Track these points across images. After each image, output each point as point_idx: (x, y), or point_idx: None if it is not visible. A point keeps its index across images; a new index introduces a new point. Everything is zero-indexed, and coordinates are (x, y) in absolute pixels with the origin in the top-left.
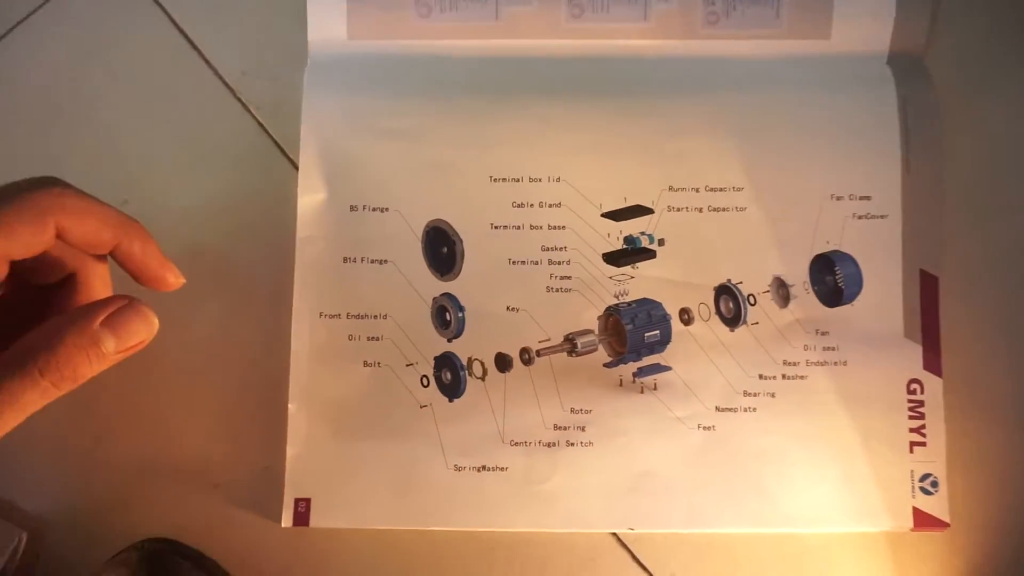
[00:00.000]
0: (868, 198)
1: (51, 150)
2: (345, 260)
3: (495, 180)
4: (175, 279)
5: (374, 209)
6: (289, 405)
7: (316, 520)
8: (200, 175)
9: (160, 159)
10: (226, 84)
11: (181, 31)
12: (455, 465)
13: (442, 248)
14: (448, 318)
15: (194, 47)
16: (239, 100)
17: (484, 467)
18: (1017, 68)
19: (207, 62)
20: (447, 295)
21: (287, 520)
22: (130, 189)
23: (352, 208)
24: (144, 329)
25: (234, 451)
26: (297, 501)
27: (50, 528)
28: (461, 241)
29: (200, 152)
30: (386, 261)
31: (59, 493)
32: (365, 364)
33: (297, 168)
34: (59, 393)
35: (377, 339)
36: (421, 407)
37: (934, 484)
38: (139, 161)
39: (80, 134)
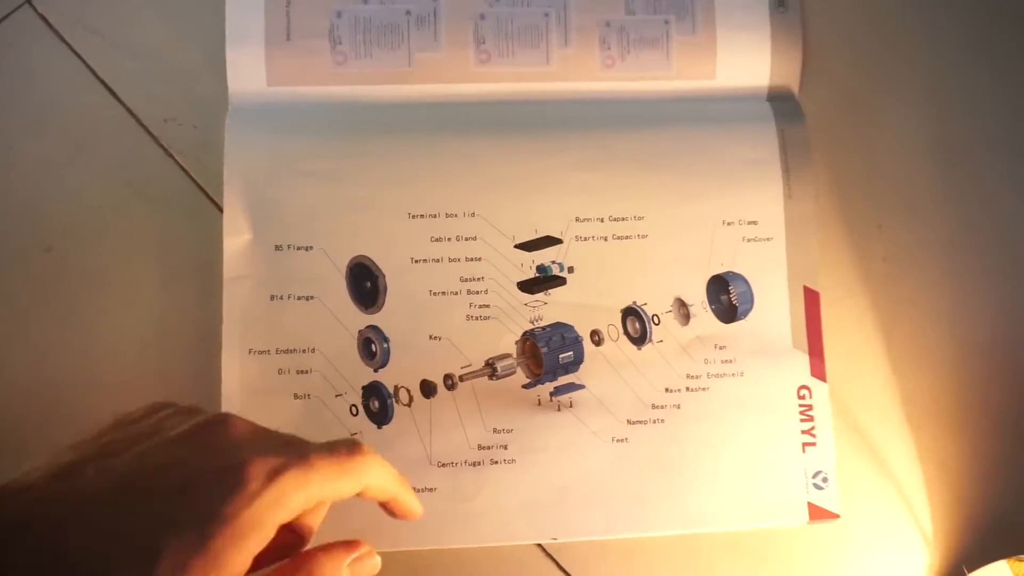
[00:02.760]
0: (755, 223)
1: None
2: (272, 298)
3: (413, 216)
4: (419, 513)
5: (298, 248)
6: None
7: None
8: (125, 221)
9: (84, 206)
10: (148, 132)
11: (101, 81)
12: None
13: (365, 283)
14: (374, 349)
15: (115, 97)
16: (162, 147)
17: (414, 489)
18: (875, 102)
19: (129, 111)
20: (372, 327)
21: None
22: (55, 236)
23: (277, 248)
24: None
25: None
26: None
27: None
28: (383, 275)
29: (125, 198)
30: (312, 297)
31: None
32: (295, 396)
33: (222, 211)
34: None
35: (306, 372)
36: (352, 435)
37: (825, 480)
38: (63, 209)
39: (1, 185)
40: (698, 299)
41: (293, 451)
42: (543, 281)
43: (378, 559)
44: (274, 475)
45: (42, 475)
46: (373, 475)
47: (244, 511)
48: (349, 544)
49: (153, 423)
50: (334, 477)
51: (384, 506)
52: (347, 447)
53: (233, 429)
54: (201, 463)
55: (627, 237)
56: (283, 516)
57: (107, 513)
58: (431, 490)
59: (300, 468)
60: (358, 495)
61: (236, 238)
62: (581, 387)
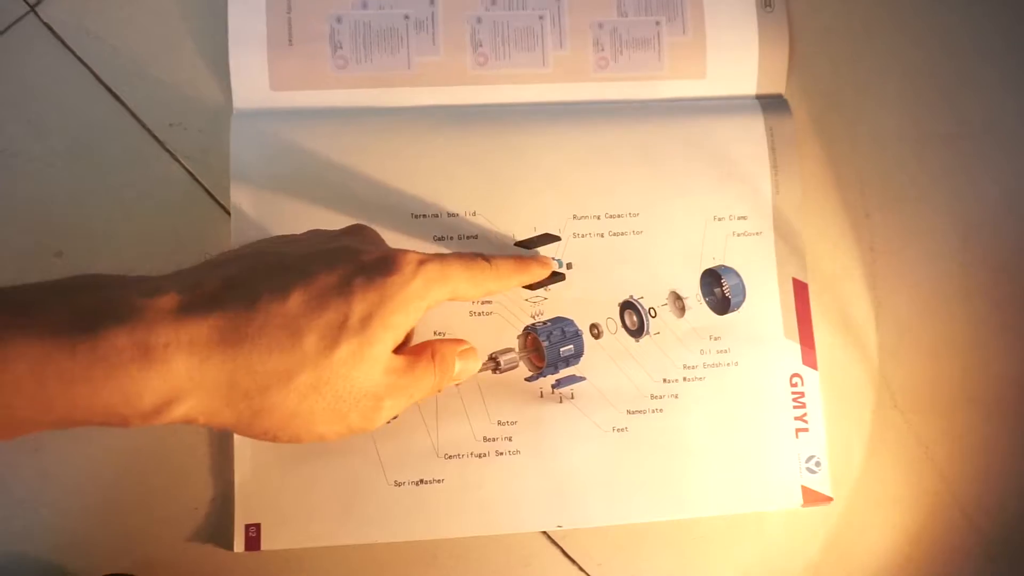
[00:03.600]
0: (745, 218)
1: None
2: None
3: (416, 216)
4: (549, 266)
5: None
6: (234, 436)
7: (267, 543)
8: (133, 224)
9: (92, 211)
10: (154, 136)
11: (107, 87)
12: (395, 481)
13: None
14: None
15: (121, 102)
16: (168, 151)
17: (422, 480)
18: (859, 96)
19: (134, 116)
20: None
21: (239, 546)
22: (63, 241)
23: None
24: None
25: (183, 484)
26: (248, 527)
27: None
28: None
29: (132, 202)
30: None
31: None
32: None
33: (229, 214)
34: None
35: None
36: None
37: (818, 464)
38: (70, 213)
39: (11, 191)
40: (692, 292)
41: (432, 254)
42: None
43: (479, 361)
44: (420, 265)
45: (225, 254)
46: (495, 283)
47: (405, 287)
48: (458, 340)
49: (306, 233)
50: (466, 277)
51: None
52: (471, 256)
53: (373, 233)
54: (367, 248)
55: (623, 233)
56: (431, 298)
57: (305, 268)
58: (439, 481)
59: (440, 262)
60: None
61: (243, 240)
62: (582, 379)
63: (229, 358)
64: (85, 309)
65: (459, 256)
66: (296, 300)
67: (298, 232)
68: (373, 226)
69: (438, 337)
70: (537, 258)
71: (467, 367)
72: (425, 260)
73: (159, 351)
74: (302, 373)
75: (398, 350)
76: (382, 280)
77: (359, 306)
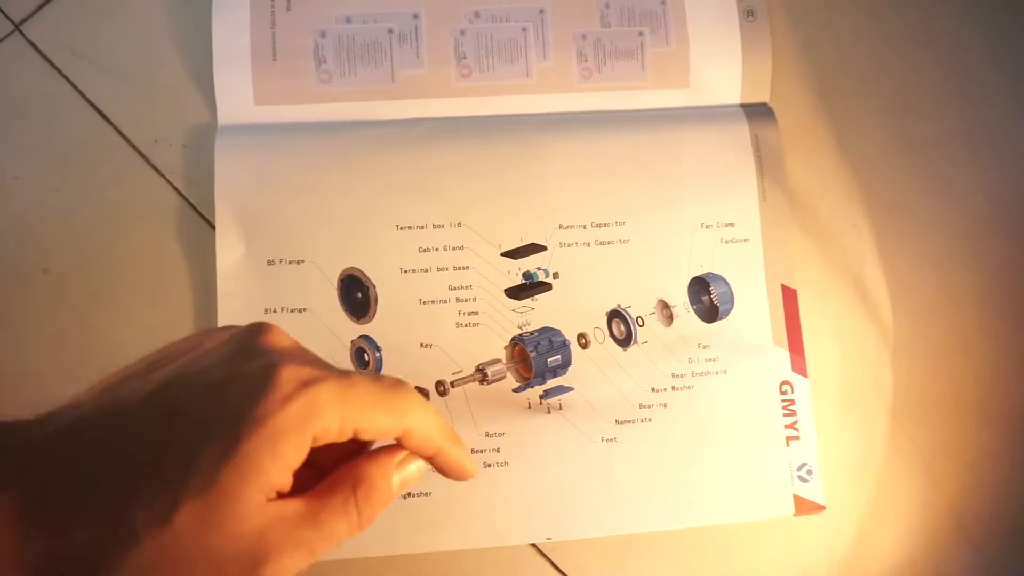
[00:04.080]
0: (732, 225)
1: None
2: (266, 311)
3: (401, 228)
4: (474, 472)
5: (290, 262)
6: None
7: None
8: (120, 240)
9: (78, 227)
10: (139, 152)
11: (92, 104)
12: None
13: (356, 294)
14: (367, 358)
15: (106, 119)
16: (153, 167)
17: (409, 494)
18: (844, 104)
19: (119, 132)
20: (364, 337)
21: None
22: (51, 257)
23: (269, 262)
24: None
25: None
26: None
27: None
28: (374, 286)
29: (118, 218)
30: (304, 309)
31: None
32: None
33: (214, 228)
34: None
35: None
36: None
37: (809, 472)
38: (58, 230)
39: None
40: (680, 300)
41: (334, 370)
42: (530, 287)
43: (422, 461)
44: (310, 383)
45: (90, 391)
46: (417, 416)
47: (275, 415)
48: (392, 449)
49: (197, 340)
50: (375, 404)
51: (432, 461)
52: (392, 380)
53: (273, 336)
54: (236, 365)
55: (609, 242)
56: (318, 428)
57: (145, 421)
58: (426, 494)
59: (338, 383)
60: (401, 442)
61: (229, 254)
62: (570, 389)
63: (38, 534)
64: None
65: (371, 379)
66: (127, 455)
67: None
68: (358, 239)
69: (370, 450)
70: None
71: (410, 476)
72: (315, 379)
73: None
74: (133, 551)
75: (302, 485)
76: (244, 412)
77: (209, 449)
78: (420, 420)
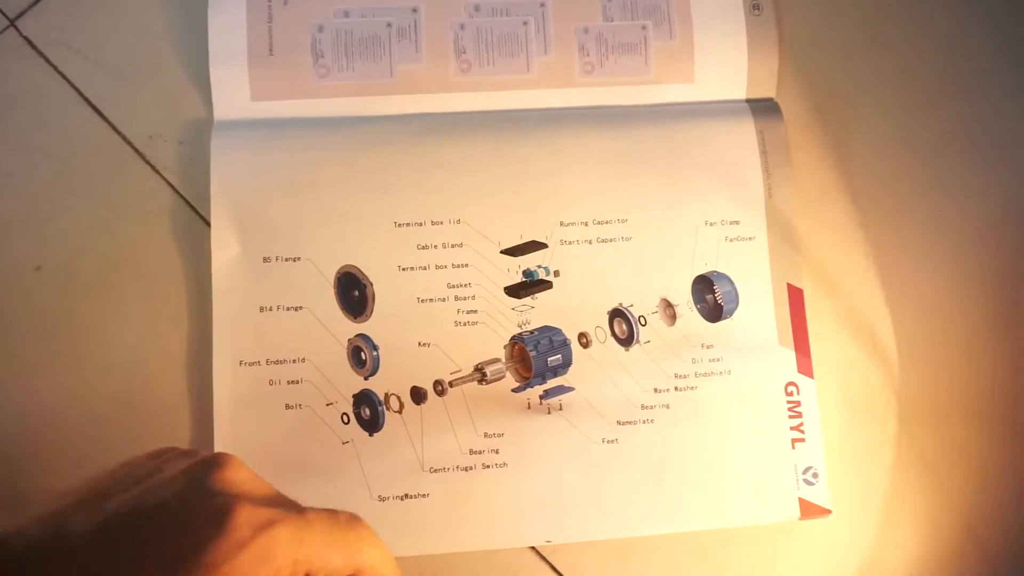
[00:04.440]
0: (737, 223)
1: None
2: (262, 309)
3: (399, 225)
4: None
5: (286, 259)
6: (215, 450)
7: None
8: (114, 237)
9: (72, 224)
10: (134, 148)
11: (87, 100)
12: (379, 496)
13: (354, 292)
14: (363, 357)
15: (101, 115)
16: (148, 163)
17: (407, 495)
18: (852, 101)
19: (115, 128)
20: (361, 336)
21: None
22: (45, 254)
23: (265, 260)
24: None
25: None
26: None
27: None
28: (371, 284)
29: (113, 215)
30: (301, 308)
31: None
32: (287, 407)
33: (210, 225)
34: None
35: (297, 382)
36: (343, 443)
37: (815, 475)
38: (51, 226)
39: None
40: (684, 299)
41: (290, 508)
42: (530, 285)
43: None
44: (265, 526)
45: (33, 520)
46: (372, 555)
47: (227, 563)
48: None
49: (153, 466)
50: (329, 544)
51: None
52: (348, 516)
53: (229, 472)
54: (189, 504)
55: (611, 240)
56: (271, 573)
57: (91, 559)
58: (424, 496)
59: (294, 524)
60: None
61: (224, 252)
62: (570, 389)
63: None
64: None
65: (326, 517)
66: None
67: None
68: (355, 236)
69: None
70: None
71: None
72: (270, 522)
73: None
74: None
75: None
76: (196, 558)
77: None
78: (374, 559)
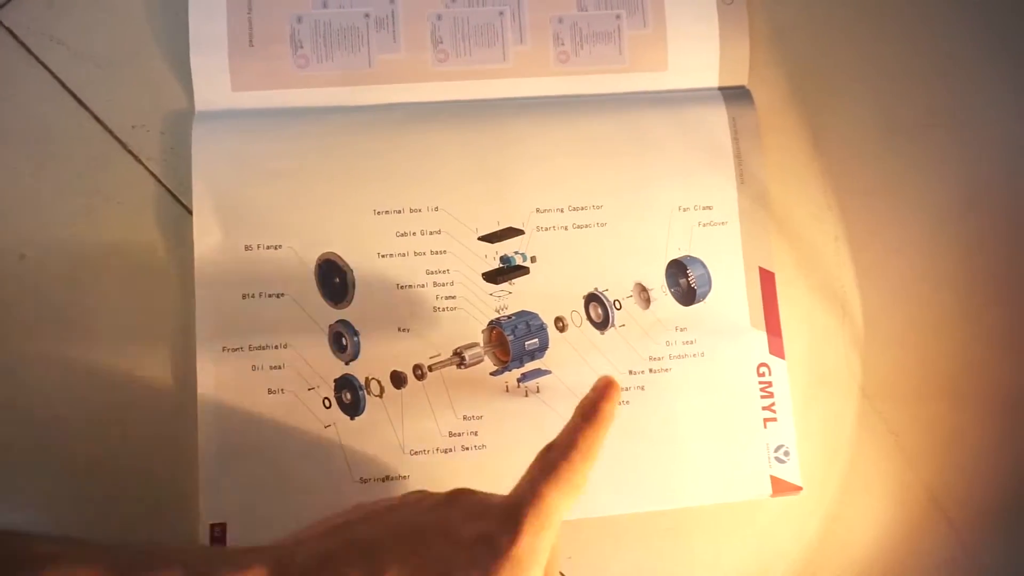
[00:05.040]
0: (710, 208)
1: None
2: (244, 296)
3: (379, 213)
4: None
5: (268, 247)
6: (199, 438)
7: (232, 542)
8: (97, 226)
9: (55, 214)
10: (116, 138)
11: (69, 91)
12: (361, 477)
13: (334, 279)
14: (344, 343)
15: (83, 105)
16: (131, 153)
17: (388, 477)
18: (821, 88)
19: (97, 119)
20: (342, 322)
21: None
22: (28, 244)
23: (247, 248)
24: None
25: (147, 483)
26: (213, 526)
27: None
28: (352, 271)
29: (96, 204)
30: (283, 295)
31: None
32: (270, 392)
33: (192, 214)
34: None
35: (279, 368)
36: (325, 427)
37: (787, 453)
38: (35, 216)
39: None
40: (658, 283)
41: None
42: (507, 271)
43: None
44: (538, 533)
45: (310, 530)
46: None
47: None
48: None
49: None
50: (568, 497)
51: None
52: (568, 461)
53: (479, 498)
54: (467, 521)
55: (587, 226)
56: (547, 553)
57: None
58: (404, 477)
59: (546, 506)
60: None
61: (207, 240)
62: (547, 373)
63: None
64: (202, 558)
65: (555, 484)
66: None
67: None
68: (335, 224)
69: None
70: (602, 395)
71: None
72: (538, 518)
73: None
74: None
75: None
76: (495, 561)
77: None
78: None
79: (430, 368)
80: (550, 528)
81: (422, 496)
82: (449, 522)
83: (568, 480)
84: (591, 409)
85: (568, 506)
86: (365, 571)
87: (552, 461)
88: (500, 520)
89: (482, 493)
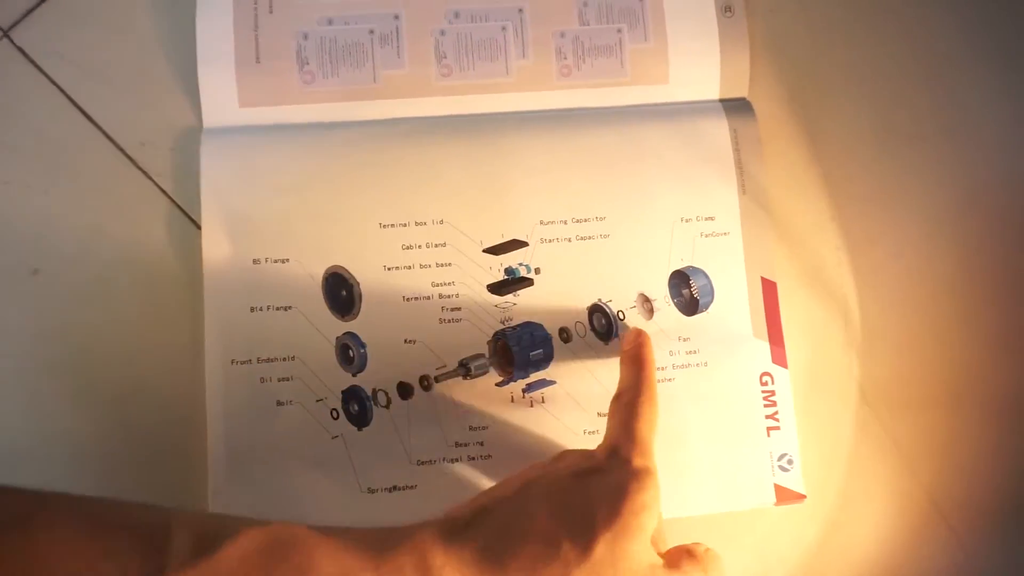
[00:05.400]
0: (712, 219)
1: None
2: (252, 310)
3: (384, 226)
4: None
5: (275, 261)
6: (208, 450)
7: None
8: (108, 241)
9: (67, 229)
10: (127, 155)
11: (79, 108)
12: (368, 488)
13: (341, 291)
14: (351, 355)
15: (93, 123)
16: (140, 169)
17: (395, 487)
18: (821, 98)
19: (106, 135)
20: (349, 334)
21: None
22: (41, 259)
23: (255, 261)
24: None
25: (156, 494)
26: None
27: None
28: (358, 284)
29: (107, 219)
30: (290, 307)
31: None
32: (278, 403)
33: (200, 228)
34: None
35: (287, 380)
36: (333, 438)
37: (790, 462)
38: (47, 232)
39: None
40: (661, 294)
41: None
42: (511, 283)
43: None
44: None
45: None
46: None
47: (641, 495)
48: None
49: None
50: (652, 431)
51: None
52: (642, 402)
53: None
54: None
55: (590, 237)
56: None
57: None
58: (412, 487)
59: (650, 458)
60: None
61: (215, 254)
62: (552, 383)
63: (495, 574)
64: (372, 536)
65: (639, 418)
66: (542, 515)
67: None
68: (341, 237)
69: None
70: (640, 343)
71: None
72: (650, 470)
73: (436, 571)
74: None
75: None
76: (620, 488)
77: (603, 508)
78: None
79: (436, 379)
80: (651, 460)
81: (570, 455)
82: (558, 473)
83: (647, 413)
84: (637, 355)
85: (654, 436)
86: (518, 511)
87: (629, 402)
88: (642, 472)
89: (584, 450)
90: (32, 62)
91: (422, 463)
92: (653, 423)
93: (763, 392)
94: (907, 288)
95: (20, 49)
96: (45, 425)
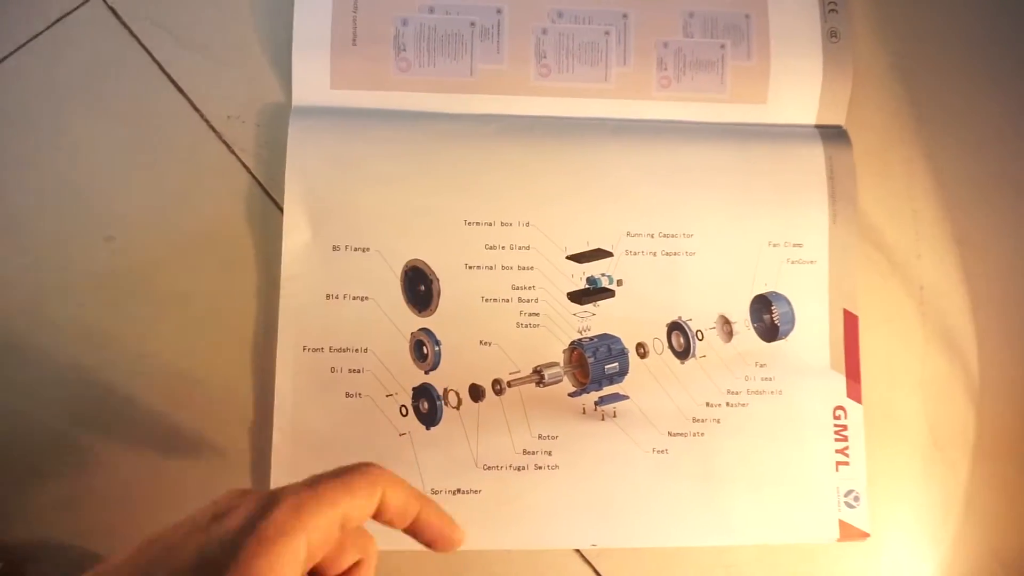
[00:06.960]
0: (800, 245)
1: (35, 185)
2: (328, 297)
3: (469, 224)
4: (459, 536)
5: (356, 249)
6: (274, 435)
7: None
8: (186, 214)
9: (145, 197)
10: (212, 127)
11: (168, 76)
12: (432, 489)
13: (420, 286)
14: (425, 351)
15: (180, 91)
16: (225, 143)
17: (459, 490)
18: (921, 132)
19: (193, 105)
20: (424, 330)
21: None
22: (116, 226)
23: (335, 248)
24: None
25: (221, 481)
26: None
27: (31, 559)
28: (438, 280)
29: (186, 192)
30: (367, 298)
31: (39, 522)
32: (347, 395)
33: (282, 209)
34: None
35: (358, 371)
36: (400, 435)
37: (856, 499)
38: (125, 200)
39: (64, 173)
40: (741, 317)
41: (292, 489)
42: (592, 292)
43: None
44: (265, 512)
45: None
46: (386, 489)
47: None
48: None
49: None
50: (341, 496)
51: (415, 532)
52: (355, 466)
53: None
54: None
55: (675, 253)
56: (305, 535)
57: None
58: (476, 492)
59: (292, 498)
60: (381, 519)
61: (295, 237)
62: (625, 398)
63: None
64: None
65: (332, 473)
66: None
67: None
68: (425, 231)
69: None
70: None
71: None
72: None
73: None
74: None
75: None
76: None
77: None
78: (392, 490)
79: (509, 384)
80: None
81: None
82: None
83: (334, 490)
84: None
85: (333, 516)
86: None
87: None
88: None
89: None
90: (124, 24)
91: (488, 468)
92: (331, 500)
93: (835, 426)
94: (990, 335)
95: (112, 9)
96: (114, 393)
